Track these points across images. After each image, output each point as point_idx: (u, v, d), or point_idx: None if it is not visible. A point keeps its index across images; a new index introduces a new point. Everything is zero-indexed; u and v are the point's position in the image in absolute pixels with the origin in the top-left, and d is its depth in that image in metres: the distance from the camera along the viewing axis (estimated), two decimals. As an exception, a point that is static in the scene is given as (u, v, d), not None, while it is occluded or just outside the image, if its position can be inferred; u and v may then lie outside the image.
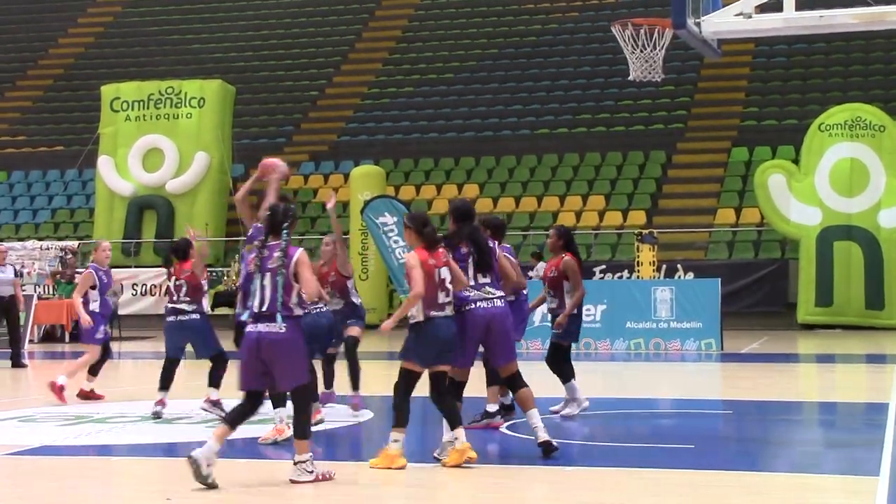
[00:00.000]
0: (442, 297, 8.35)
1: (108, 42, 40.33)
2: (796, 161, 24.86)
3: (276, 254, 7.78)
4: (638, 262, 22.93)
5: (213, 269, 27.59)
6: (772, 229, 24.99)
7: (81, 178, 33.09)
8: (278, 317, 7.74)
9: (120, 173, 29.47)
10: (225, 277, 26.80)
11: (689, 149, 30.19)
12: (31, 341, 22.13)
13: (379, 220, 23.25)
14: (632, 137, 30.91)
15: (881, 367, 17.22)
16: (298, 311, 7.87)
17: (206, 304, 11.86)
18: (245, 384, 7.90)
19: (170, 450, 9.67)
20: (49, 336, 23.92)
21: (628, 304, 18.88)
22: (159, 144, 29.33)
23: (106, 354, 12.95)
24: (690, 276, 23.59)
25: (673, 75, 30.85)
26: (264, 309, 7.77)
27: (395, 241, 23.00)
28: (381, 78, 36.16)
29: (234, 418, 7.92)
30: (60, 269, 25.45)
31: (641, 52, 14.29)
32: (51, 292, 24.79)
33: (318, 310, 10.28)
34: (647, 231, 24.27)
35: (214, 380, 11.43)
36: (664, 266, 23.68)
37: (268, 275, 7.78)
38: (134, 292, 27.11)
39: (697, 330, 18.81)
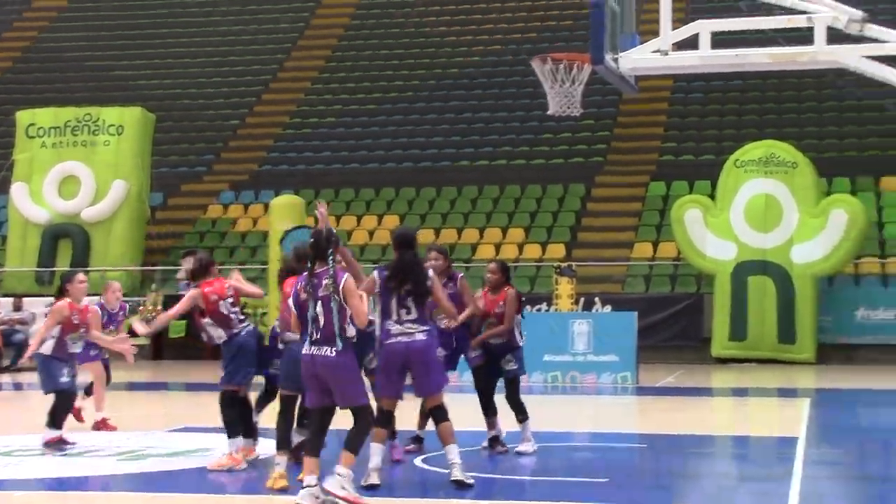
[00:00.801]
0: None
1: (26, 67, 39.72)
2: (712, 196, 25.19)
3: (326, 280, 8.03)
4: (556, 294, 23.03)
5: (127, 299, 27.18)
6: (688, 263, 25.26)
7: (-5, 204, 32.51)
8: (338, 340, 8.02)
9: (34, 200, 28.95)
10: (140, 307, 26.42)
11: (607, 182, 30.46)
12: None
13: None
14: (551, 171, 31.12)
15: (792, 400, 17.45)
16: (352, 333, 8.11)
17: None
18: (311, 402, 8.29)
19: (71, 484, 9.45)
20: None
21: (546, 336, 18.92)
22: (76, 172, 28.86)
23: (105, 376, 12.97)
24: (608, 309, 23.74)
25: (593, 110, 31.14)
26: (319, 336, 8.06)
27: None
28: (302, 108, 36.03)
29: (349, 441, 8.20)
30: (-29, 296, 24.90)
31: (560, 86, 14.38)
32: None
33: (246, 329, 10.14)
34: (565, 264, 24.40)
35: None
36: (582, 299, 23.81)
37: (320, 302, 8.03)
38: (47, 321, 26.56)
39: (614, 363, 18.91)
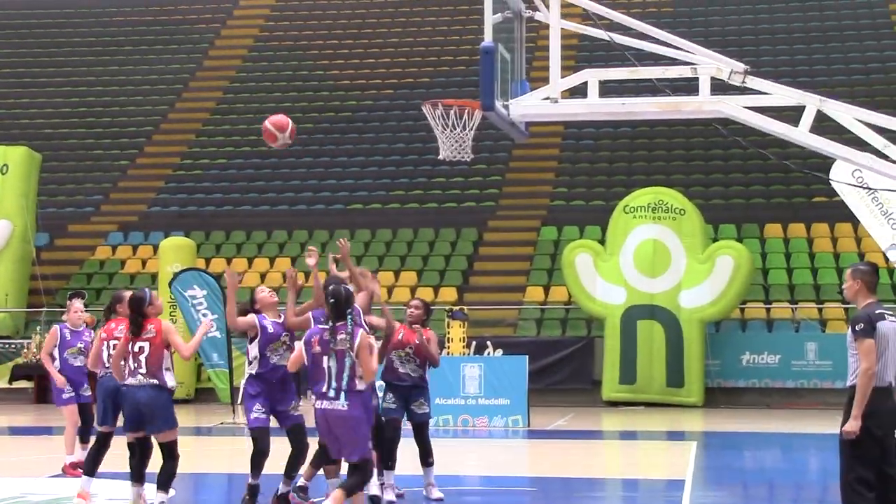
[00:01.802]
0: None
1: None
2: (603, 241, 25.55)
3: (341, 336, 8.42)
4: (448, 338, 23.10)
5: (11, 340, 26.63)
6: (579, 307, 25.54)
7: None
8: (342, 395, 8.37)
9: (-86, 240, 28.17)
10: (24, 350, 25.86)
11: (499, 227, 30.73)
12: None
13: (188, 293, 22.84)
14: (444, 214, 31.30)
15: (680, 443, 17.70)
16: (361, 387, 8.44)
17: None
18: (335, 454, 8.76)
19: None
20: None
21: (437, 380, 18.84)
22: (-41, 211, 28.21)
23: (86, 417, 12.73)
24: (499, 352, 23.87)
25: (485, 154, 31.47)
26: (331, 389, 8.40)
27: (204, 315, 22.56)
28: (193, 148, 35.74)
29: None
30: None
31: (451, 131, 14.50)
32: None
33: (107, 373, 10.19)
34: (457, 307, 24.50)
35: None
36: (474, 343, 23.91)
37: (334, 356, 8.39)
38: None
39: (505, 406, 19.01)
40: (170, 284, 23.72)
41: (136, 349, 9.42)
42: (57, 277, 29.32)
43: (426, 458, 10.53)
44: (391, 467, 10.34)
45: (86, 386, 12.81)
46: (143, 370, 9.35)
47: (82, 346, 12.82)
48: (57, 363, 12.72)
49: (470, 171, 31.70)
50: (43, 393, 25.47)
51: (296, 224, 31.22)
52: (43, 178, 30.14)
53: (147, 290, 9.74)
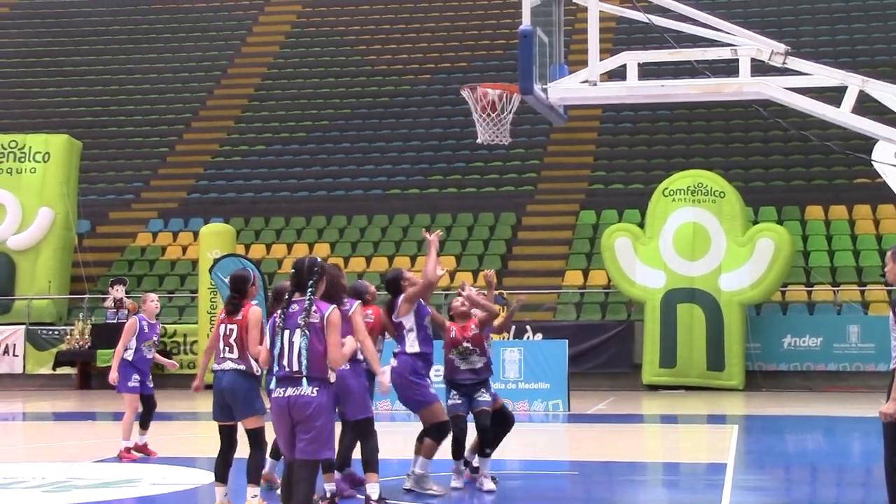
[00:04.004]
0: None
1: (-50, 93, 39.21)
2: (641, 225, 25.46)
3: (294, 309, 7.41)
4: (488, 322, 23.05)
5: (55, 327, 26.91)
6: (618, 291, 25.49)
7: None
8: (304, 380, 7.30)
9: (-41, 228, 28.52)
10: (68, 336, 26.12)
11: (538, 211, 30.68)
12: None
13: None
14: (482, 199, 31.29)
15: (721, 427, 17.64)
16: (329, 375, 7.41)
17: None
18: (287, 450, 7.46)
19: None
20: None
21: (477, 364, 18.92)
22: (1, 199, 28.48)
23: (149, 405, 12.94)
24: (539, 337, 23.87)
25: (523, 139, 31.42)
26: (293, 370, 7.32)
27: None
28: (232, 135, 35.90)
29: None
30: None
31: (490, 116, 14.49)
32: None
33: None
34: (497, 292, 24.48)
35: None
36: (513, 327, 23.92)
37: (297, 332, 7.34)
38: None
39: (545, 391, 19.01)
40: (210, 270, 23.84)
41: (227, 331, 9.09)
42: (98, 264, 29.59)
43: (483, 447, 10.35)
44: (488, 454, 10.39)
45: (150, 377, 13.06)
46: (234, 354, 9.04)
47: (156, 338, 13.05)
48: (130, 353, 12.83)
49: (508, 155, 31.66)
50: (86, 379, 25.77)
51: (334, 209, 31.30)
52: (84, 165, 30.40)
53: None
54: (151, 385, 13.08)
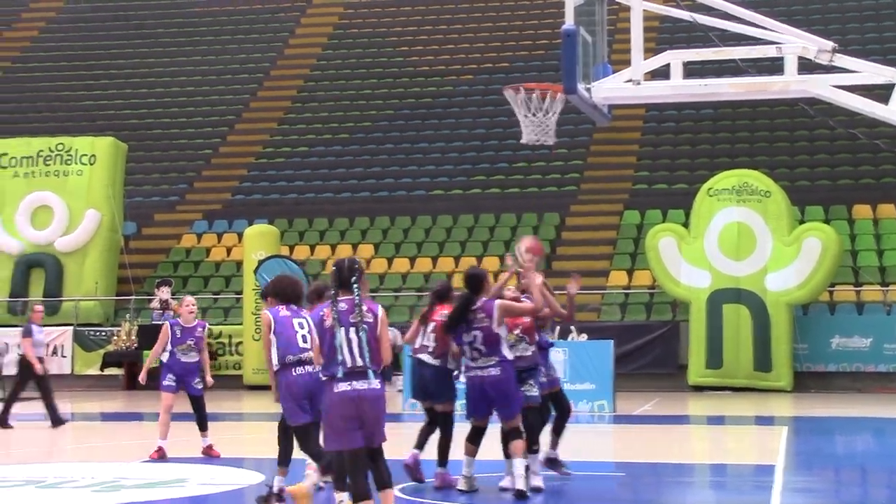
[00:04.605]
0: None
1: (-3, 97, 39.67)
2: (686, 224, 25.35)
3: (343, 307, 7.67)
4: (532, 323, 23.04)
5: (102, 328, 27.18)
6: (663, 291, 25.39)
7: (-34, 235, 32.36)
8: (370, 373, 7.65)
9: (7, 230, 28.89)
10: (114, 337, 26.38)
11: (582, 211, 30.62)
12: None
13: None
14: (526, 199, 31.26)
15: (769, 428, 17.53)
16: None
17: None
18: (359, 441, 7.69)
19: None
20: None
21: (522, 365, 18.90)
22: (48, 201, 28.85)
23: (196, 407, 13.04)
24: (584, 337, 23.80)
25: (566, 139, 31.35)
26: (358, 365, 7.63)
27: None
28: (275, 137, 36.06)
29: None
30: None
31: (534, 116, 14.50)
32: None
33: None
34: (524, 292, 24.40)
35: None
36: (558, 327, 23.87)
37: (352, 329, 7.65)
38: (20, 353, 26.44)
39: (590, 391, 18.97)
40: (255, 272, 24.01)
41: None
42: (144, 266, 29.85)
43: (530, 444, 10.25)
44: (536, 451, 10.39)
45: (198, 380, 13.11)
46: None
47: (192, 342, 13.02)
48: (165, 356, 12.98)
49: (551, 155, 31.61)
50: (133, 380, 25.98)
51: (378, 210, 31.39)
52: (129, 167, 30.74)
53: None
54: (200, 386, 13.12)
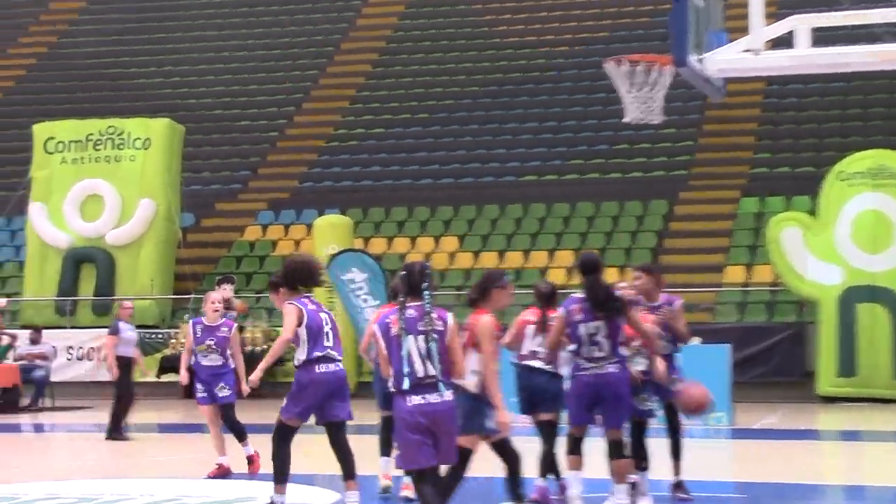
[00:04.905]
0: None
1: (42, 76, 40.38)
2: (812, 213, 25.08)
3: (413, 314, 8.00)
4: (637, 325, 22.96)
5: (158, 330, 27.57)
6: (787, 289, 25.15)
7: (10, 227, 33.03)
8: (441, 385, 7.94)
9: (54, 222, 29.40)
10: (172, 340, 26.72)
11: (693, 199, 30.42)
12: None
13: (346, 277, 23.04)
14: (629, 185, 31.13)
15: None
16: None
17: None
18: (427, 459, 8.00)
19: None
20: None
21: (627, 372, 18.85)
22: (99, 190, 29.29)
23: (225, 417, 13.12)
24: (697, 340, 23.65)
25: (675, 117, 31.09)
26: (429, 375, 7.93)
27: (364, 301, 22.73)
28: (348, 118, 36.26)
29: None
30: (-15, 329, 25.26)
31: (638, 91, 14.47)
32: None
33: None
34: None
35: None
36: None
37: (421, 338, 7.97)
38: (69, 356, 27.01)
39: (704, 402, 18.82)
40: (327, 268, 24.14)
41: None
42: (204, 261, 30.20)
43: (639, 461, 10.50)
44: (645, 468, 10.60)
45: (222, 385, 13.09)
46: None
47: (213, 342, 12.99)
48: (193, 359, 13.15)
49: (658, 135, 31.43)
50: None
51: (462, 198, 31.44)
52: (186, 152, 31.07)
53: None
54: (225, 393, 13.04)
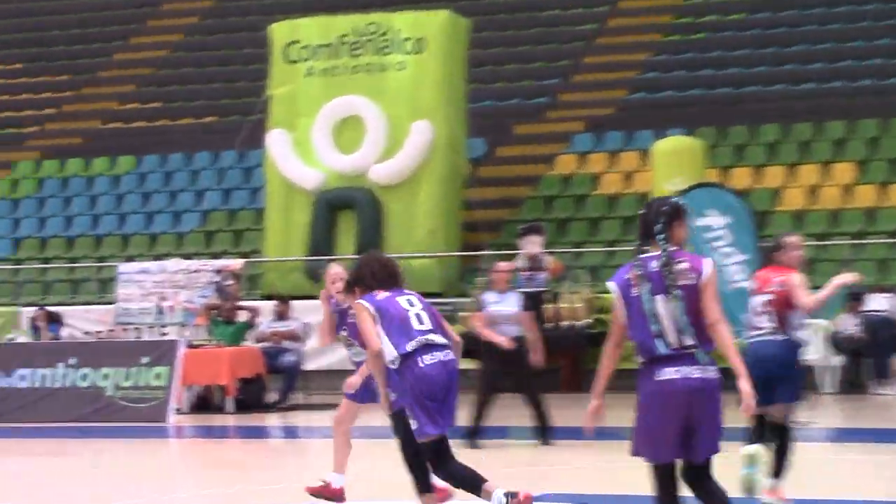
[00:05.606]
0: None
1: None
2: None
3: (665, 264, 8.30)
4: None
5: (443, 301, 27.09)
6: None
7: (243, 163, 33.62)
8: (699, 355, 8.22)
9: (301, 155, 29.51)
10: (460, 313, 26.22)
11: None
12: (178, 410, 22.25)
13: (701, 222, 22.72)
14: None
15: None
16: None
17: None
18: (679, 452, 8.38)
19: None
20: (204, 403, 23.83)
21: None
22: (358, 111, 29.28)
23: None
24: None
25: None
26: (684, 345, 8.24)
27: (727, 255, 22.66)
28: (688, 2, 36.01)
29: None
30: (217, 301, 25.44)
31: None
32: (204, 337, 24.77)
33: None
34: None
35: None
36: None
37: (661, 297, 8.30)
38: (325, 336, 26.96)
39: None
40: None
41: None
42: (500, 204, 29.97)
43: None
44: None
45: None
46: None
47: (346, 331, 12.29)
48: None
49: None
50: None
51: (854, 111, 30.85)
52: (474, 56, 30.78)
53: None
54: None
